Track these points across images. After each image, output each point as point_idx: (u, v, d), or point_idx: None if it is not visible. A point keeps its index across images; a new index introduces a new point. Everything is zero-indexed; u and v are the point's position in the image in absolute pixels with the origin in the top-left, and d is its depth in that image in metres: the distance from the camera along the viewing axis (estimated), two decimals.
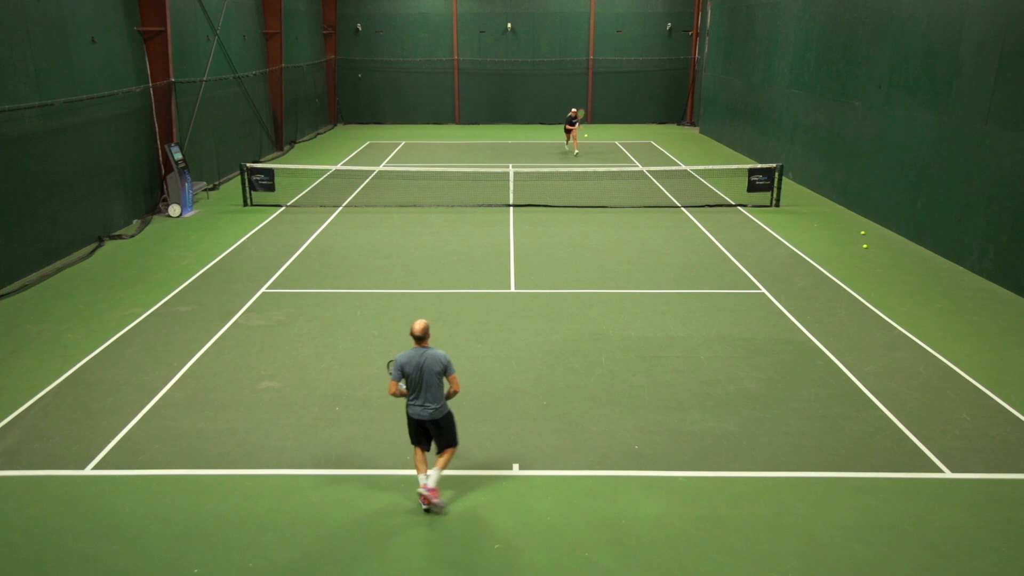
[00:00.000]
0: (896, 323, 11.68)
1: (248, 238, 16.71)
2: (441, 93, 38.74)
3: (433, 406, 6.96)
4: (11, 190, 13.65)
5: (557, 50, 38.09)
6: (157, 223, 18.05)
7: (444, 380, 7.01)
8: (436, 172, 23.95)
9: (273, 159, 27.41)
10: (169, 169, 18.70)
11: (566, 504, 7.23)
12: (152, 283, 13.61)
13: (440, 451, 7.20)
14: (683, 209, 19.33)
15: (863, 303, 12.57)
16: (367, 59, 38.20)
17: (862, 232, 17.12)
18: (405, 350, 7.08)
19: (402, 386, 6.99)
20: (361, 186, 22.30)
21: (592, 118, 38.57)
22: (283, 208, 19.55)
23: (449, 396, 7.09)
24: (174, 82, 19.32)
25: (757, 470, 7.78)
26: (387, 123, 38.82)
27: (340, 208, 19.51)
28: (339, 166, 24.12)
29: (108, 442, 8.29)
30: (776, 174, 19.69)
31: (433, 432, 7.12)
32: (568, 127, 27.78)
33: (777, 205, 19.71)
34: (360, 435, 8.45)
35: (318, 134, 34.53)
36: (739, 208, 19.53)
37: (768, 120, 25.64)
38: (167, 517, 7.02)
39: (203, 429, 8.57)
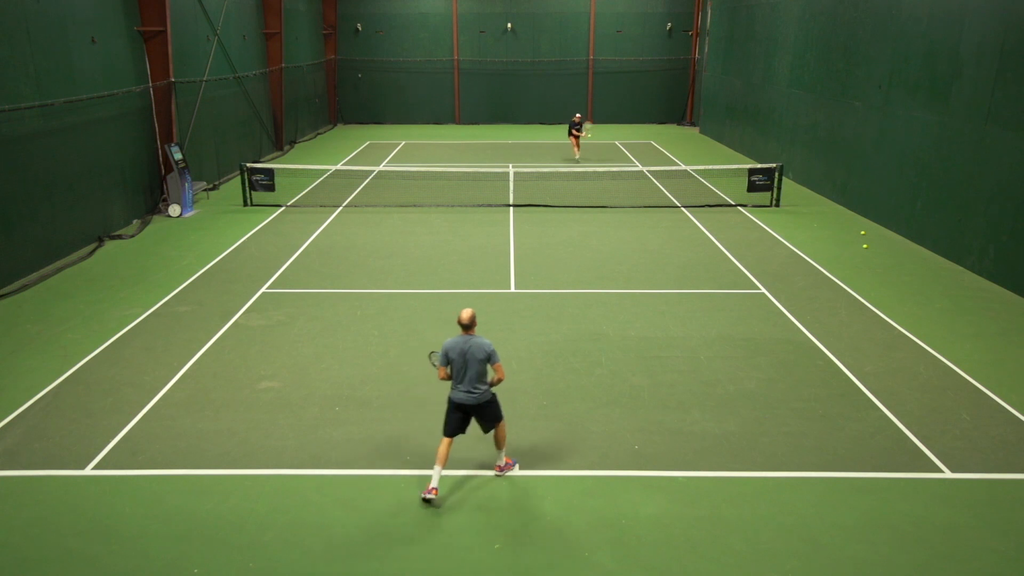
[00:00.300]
0: (896, 323, 11.68)
1: (248, 238, 16.71)
2: (441, 93, 38.74)
3: (477, 392, 7.24)
4: (11, 190, 13.65)
5: (557, 50, 38.09)
6: (157, 223, 18.05)
7: (488, 368, 7.28)
8: (436, 172, 23.94)
9: (273, 159, 27.41)
10: (169, 169, 18.70)
11: (566, 504, 7.23)
12: (152, 283, 13.61)
13: (490, 430, 7.55)
14: (683, 209, 19.33)
15: (863, 303, 12.57)
16: (367, 59, 38.20)
17: (862, 232, 17.12)
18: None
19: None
20: (361, 186, 22.30)
21: (592, 118, 38.56)
22: (283, 208, 19.55)
23: (493, 384, 7.37)
24: (174, 82, 19.32)
25: (757, 470, 7.78)
26: (387, 123, 38.81)
27: (340, 208, 19.51)
28: (339, 166, 24.13)
29: (108, 442, 8.29)
30: (776, 174, 19.69)
31: (477, 415, 7.41)
32: (576, 132, 26.36)
33: (777, 205, 19.72)
34: (360, 435, 8.45)
35: (318, 134, 34.53)
36: (739, 208, 19.53)
37: (768, 120, 25.64)
38: (167, 517, 7.02)
39: (203, 429, 8.57)
